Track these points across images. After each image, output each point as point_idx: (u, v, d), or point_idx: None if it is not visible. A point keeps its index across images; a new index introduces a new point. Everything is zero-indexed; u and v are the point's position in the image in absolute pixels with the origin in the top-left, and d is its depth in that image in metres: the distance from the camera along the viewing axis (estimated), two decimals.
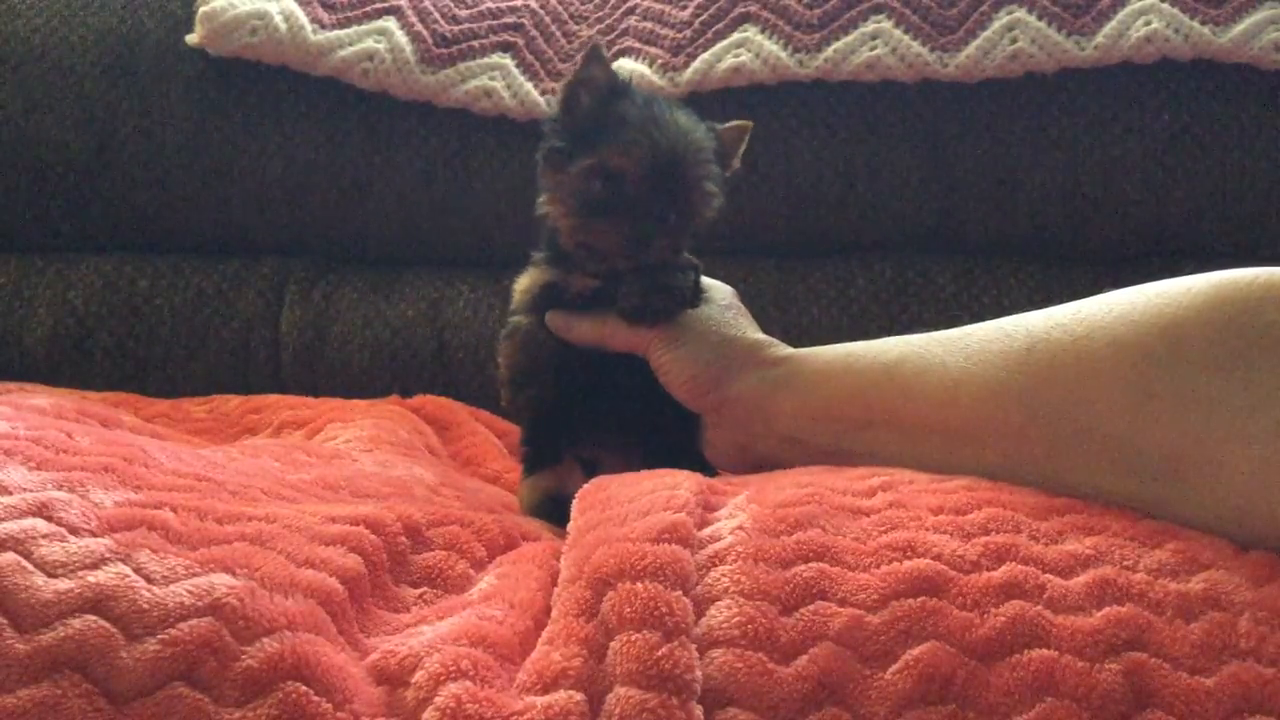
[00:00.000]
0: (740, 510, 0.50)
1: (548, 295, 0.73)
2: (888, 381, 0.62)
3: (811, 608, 0.43)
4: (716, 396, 0.70)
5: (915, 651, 0.41)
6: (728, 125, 0.74)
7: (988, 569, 0.44)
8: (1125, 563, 0.45)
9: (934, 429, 0.59)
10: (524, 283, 0.75)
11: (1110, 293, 0.55)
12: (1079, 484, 0.51)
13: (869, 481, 0.52)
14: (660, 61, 1.19)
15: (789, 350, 0.71)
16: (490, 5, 1.24)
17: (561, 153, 0.70)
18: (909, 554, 0.45)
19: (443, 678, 0.42)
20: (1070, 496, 0.51)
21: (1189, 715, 0.39)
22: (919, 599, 0.43)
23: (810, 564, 0.45)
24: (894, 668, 0.41)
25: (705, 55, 1.18)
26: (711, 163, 0.71)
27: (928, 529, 0.47)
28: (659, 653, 0.41)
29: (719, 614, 0.43)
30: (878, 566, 0.45)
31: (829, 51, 1.16)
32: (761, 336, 0.73)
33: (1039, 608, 0.42)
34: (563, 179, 0.69)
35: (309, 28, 1.19)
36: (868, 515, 0.48)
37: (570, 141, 0.70)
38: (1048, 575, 0.44)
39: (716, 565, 0.46)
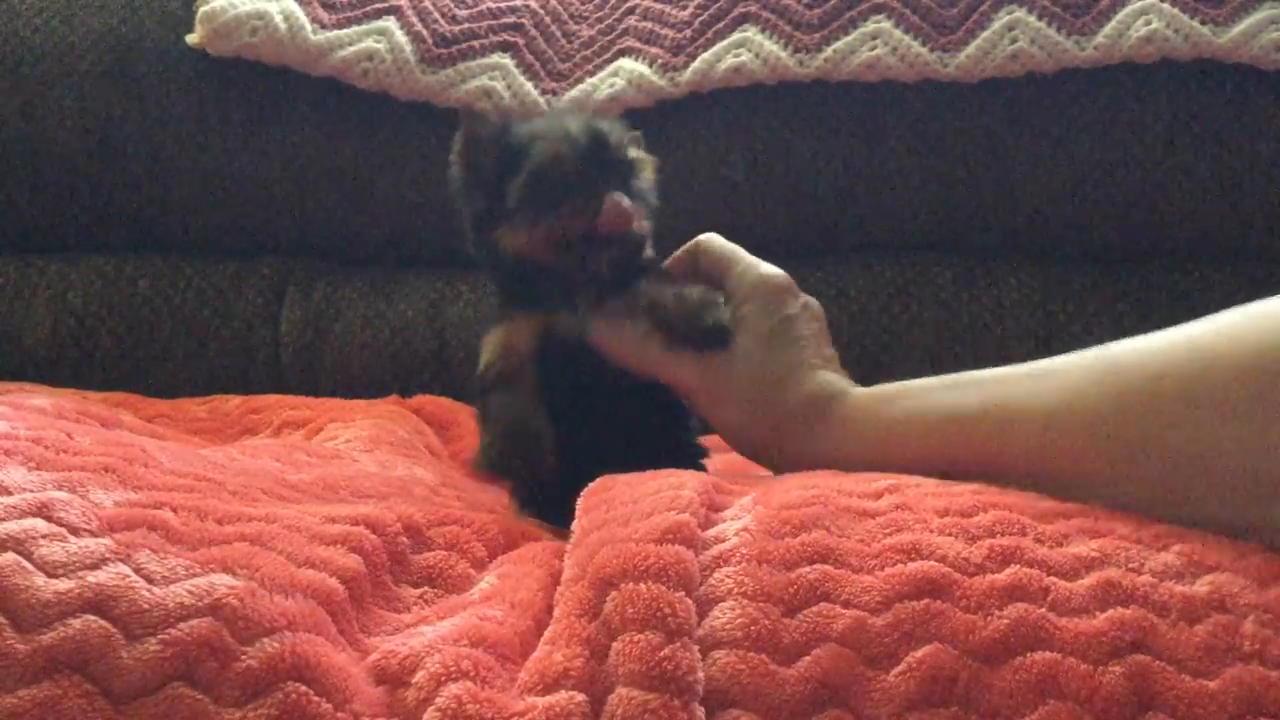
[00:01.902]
0: (746, 512, 0.50)
1: (545, 342, 0.69)
2: (975, 430, 0.57)
3: (815, 609, 0.43)
4: (778, 455, 0.63)
5: (918, 654, 0.41)
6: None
7: (992, 571, 0.44)
8: (1130, 565, 0.45)
9: (1029, 474, 0.54)
10: (501, 340, 0.70)
11: (1207, 318, 0.51)
12: (1190, 516, 0.49)
13: (875, 484, 0.52)
14: (660, 61, 1.19)
15: (852, 398, 0.63)
16: (490, 5, 1.24)
17: (492, 212, 0.68)
18: (913, 556, 0.45)
19: (443, 678, 0.42)
20: (1175, 525, 0.48)
21: (1192, 718, 0.39)
22: (923, 601, 0.43)
23: (814, 566, 0.45)
24: (897, 670, 0.41)
25: (705, 55, 1.18)
26: (627, 132, 0.70)
27: (933, 531, 0.47)
28: (661, 654, 0.41)
29: (722, 615, 0.43)
30: (882, 569, 0.44)
31: (829, 51, 1.16)
32: (818, 382, 0.64)
33: (1043, 610, 0.42)
34: (504, 216, 0.67)
35: (309, 28, 1.19)
36: (873, 517, 0.48)
37: (489, 196, 0.68)
38: (1052, 578, 0.44)
39: (721, 566, 0.46)
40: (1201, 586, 0.43)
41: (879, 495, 0.51)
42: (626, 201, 0.65)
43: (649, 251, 0.71)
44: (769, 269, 0.68)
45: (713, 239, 0.71)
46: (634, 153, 0.70)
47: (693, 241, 0.72)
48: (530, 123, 0.70)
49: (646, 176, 0.71)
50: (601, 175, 0.66)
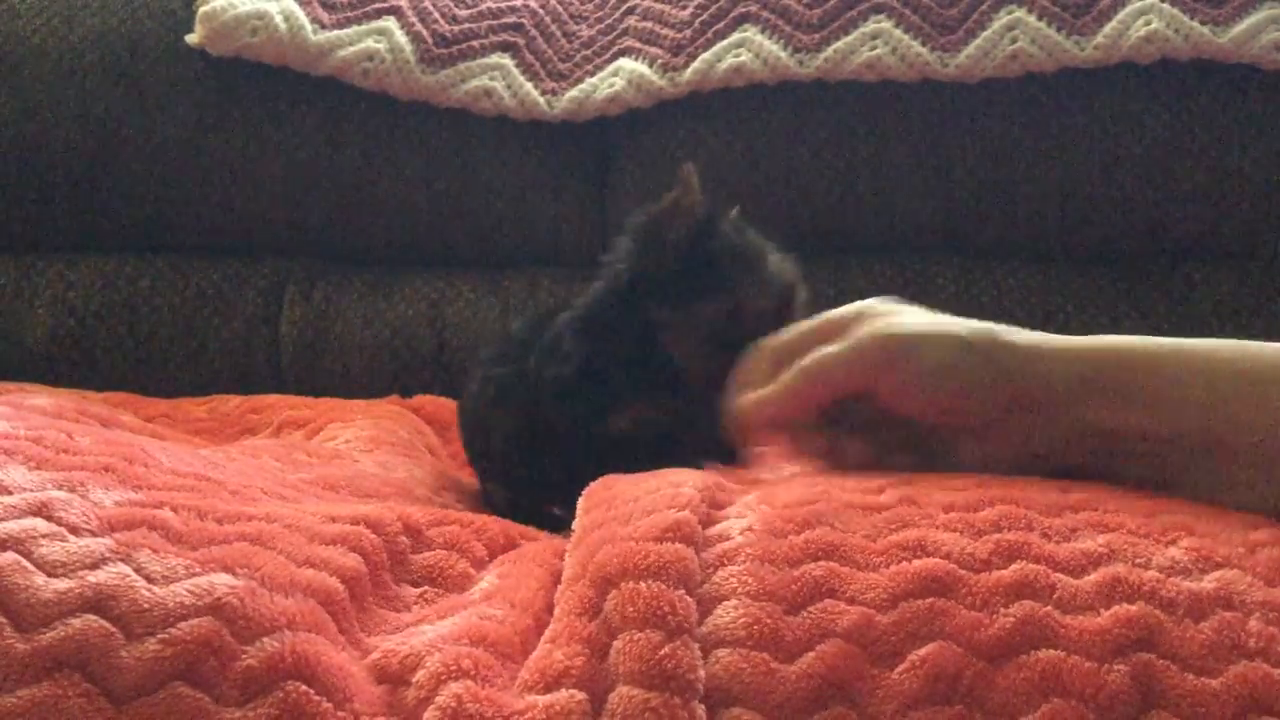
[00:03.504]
0: (750, 510, 0.50)
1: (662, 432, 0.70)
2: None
3: (819, 606, 0.43)
4: (997, 398, 0.55)
5: (923, 651, 0.41)
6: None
7: (998, 567, 0.44)
8: (1138, 560, 0.44)
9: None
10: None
11: None
12: None
13: (878, 479, 0.52)
14: (660, 61, 1.19)
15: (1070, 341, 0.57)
16: (490, 5, 1.24)
17: (643, 290, 0.69)
18: (919, 553, 0.45)
19: (444, 677, 0.42)
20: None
21: (1195, 716, 0.39)
22: (928, 599, 0.43)
23: (819, 562, 0.45)
24: (901, 667, 0.41)
25: (705, 55, 1.18)
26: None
27: (938, 526, 0.46)
28: (661, 652, 0.41)
29: (725, 614, 0.43)
30: (887, 565, 0.44)
31: (829, 51, 1.16)
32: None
33: (1048, 608, 0.42)
34: (682, 319, 0.69)
35: (309, 28, 1.19)
36: (878, 512, 0.48)
37: (650, 274, 0.69)
38: (1058, 574, 0.44)
39: (724, 565, 0.46)
40: (1209, 583, 0.43)
41: (882, 490, 0.51)
42: None
43: None
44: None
45: None
46: (802, 298, 0.72)
47: None
48: (734, 227, 0.71)
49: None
50: (771, 329, 0.66)
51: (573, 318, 0.74)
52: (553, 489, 0.71)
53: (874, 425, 0.60)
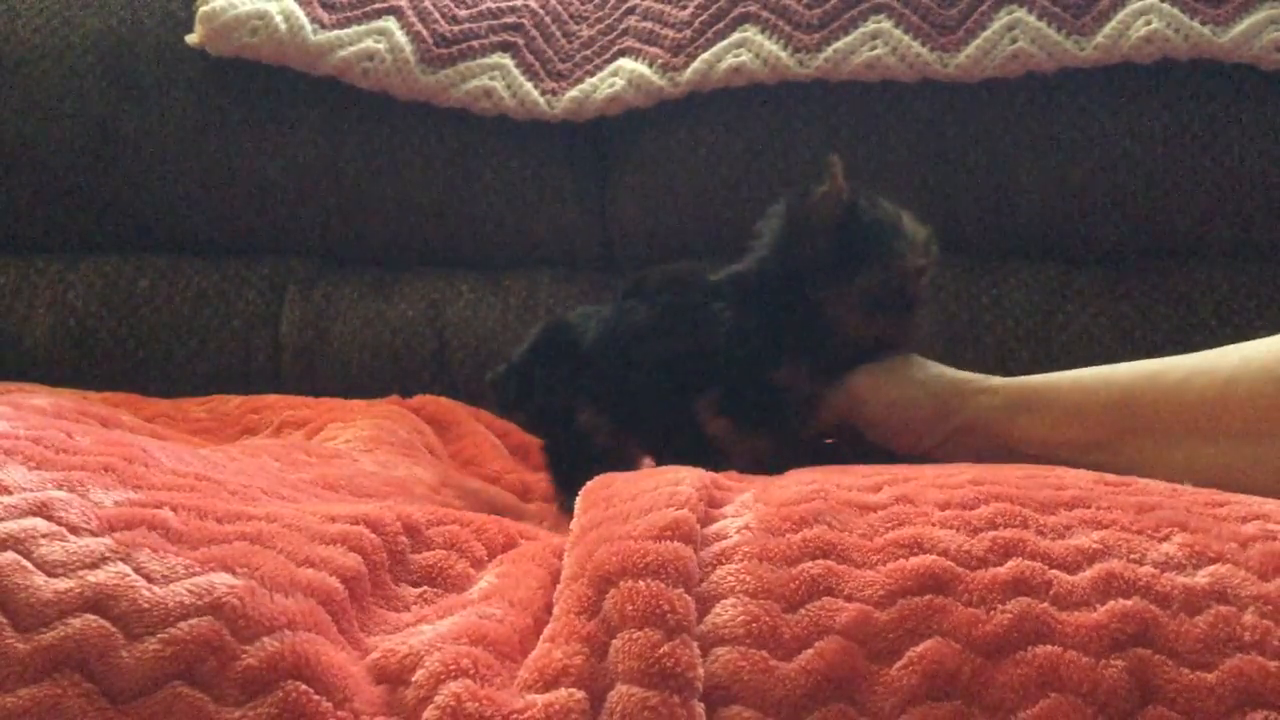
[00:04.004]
0: (747, 509, 0.50)
1: None
2: (1150, 388, 0.61)
3: (818, 604, 0.43)
4: (941, 431, 0.72)
5: (921, 648, 0.41)
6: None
7: (994, 564, 0.44)
8: (1132, 556, 0.45)
9: (1206, 433, 0.57)
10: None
11: None
12: None
13: (875, 478, 0.52)
14: (660, 61, 1.19)
15: (997, 378, 0.72)
16: (490, 5, 1.24)
17: (812, 276, 0.75)
18: (915, 550, 0.45)
19: (443, 676, 0.42)
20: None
21: (1191, 710, 0.39)
22: (925, 596, 0.43)
23: (816, 561, 0.45)
24: (899, 664, 0.41)
25: (705, 55, 1.17)
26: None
27: (934, 524, 0.47)
28: (660, 650, 0.41)
29: (724, 612, 0.43)
30: (884, 563, 0.45)
31: (829, 51, 1.16)
32: (958, 372, 0.74)
33: (1045, 604, 0.42)
34: (846, 293, 0.75)
35: (309, 28, 1.19)
36: (874, 511, 0.48)
37: (800, 261, 0.75)
38: (1054, 571, 0.44)
39: (722, 564, 0.46)
40: (1203, 578, 0.43)
41: (879, 489, 0.51)
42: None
43: None
44: None
45: None
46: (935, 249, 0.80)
47: None
48: (871, 200, 0.78)
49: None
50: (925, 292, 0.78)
51: (725, 288, 0.78)
52: (663, 428, 0.78)
53: (864, 455, 0.73)
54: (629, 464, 0.80)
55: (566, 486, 0.81)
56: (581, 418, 0.81)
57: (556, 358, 0.83)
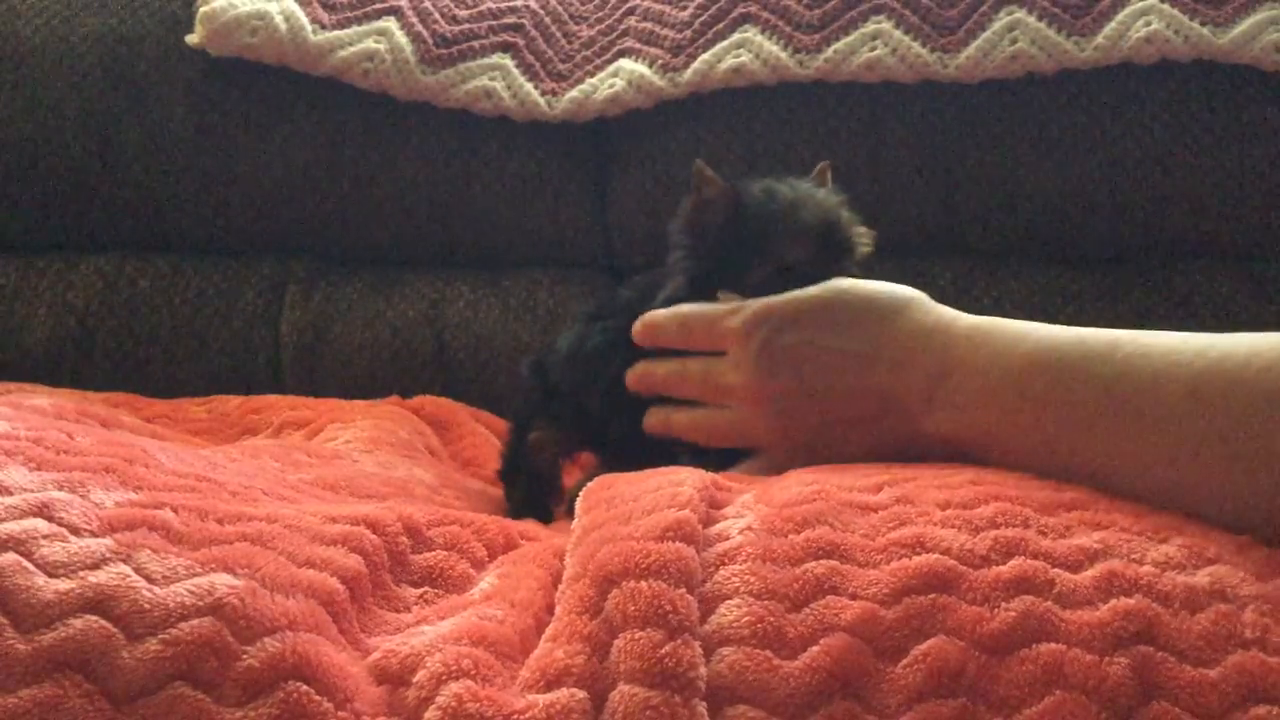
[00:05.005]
0: (748, 510, 0.50)
1: None
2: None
3: (822, 603, 0.43)
4: (870, 399, 0.64)
5: (925, 645, 0.41)
6: (816, 170, 0.81)
7: (997, 563, 0.44)
8: (1133, 556, 0.45)
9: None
10: None
11: None
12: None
13: (875, 478, 0.52)
14: (660, 62, 1.19)
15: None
16: (490, 5, 1.24)
17: (712, 271, 0.74)
18: (918, 549, 0.45)
19: (444, 677, 0.42)
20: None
21: (1194, 706, 0.39)
22: (929, 594, 0.43)
23: (820, 561, 0.45)
24: (904, 661, 0.41)
25: (705, 56, 1.18)
26: (849, 209, 0.78)
27: (936, 524, 0.47)
28: (662, 651, 0.41)
29: (729, 613, 0.43)
30: (888, 563, 0.45)
31: (829, 52, 1.16)
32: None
33: (1048, 602, 0.42)
34: (741, 292, 0.73)
35: (309, 28, 1.19)
36: (875, 511, 0.48)
37: (709, 262, 0.75)
38: (1057, 569, 0.44)
39: (726, 564, 0.46)
40: (1202, 577, 0.44)
41: (879, 489, 0.51)
42: None
43: None
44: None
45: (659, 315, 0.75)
46: (857, 231, 0.78)
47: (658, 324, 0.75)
48: (763, 188, 0.76)
49: (864, 250, 0.78)
50: (833, 261, 0.75)
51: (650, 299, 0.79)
52: (631, 436, 0.77)
53: None
54: (554, 479, 0.84)
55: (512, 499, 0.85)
56: (532, 436, 0.84)
57: (536, 376, 0.86)
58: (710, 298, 0.74)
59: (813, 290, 0.68)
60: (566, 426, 0.83)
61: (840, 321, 0.65)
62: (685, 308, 0.73)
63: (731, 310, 0.70)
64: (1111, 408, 0.53)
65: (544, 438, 0.83)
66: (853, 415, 0.64)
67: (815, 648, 0.42)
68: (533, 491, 0.83)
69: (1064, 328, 0.58)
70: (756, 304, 0.69)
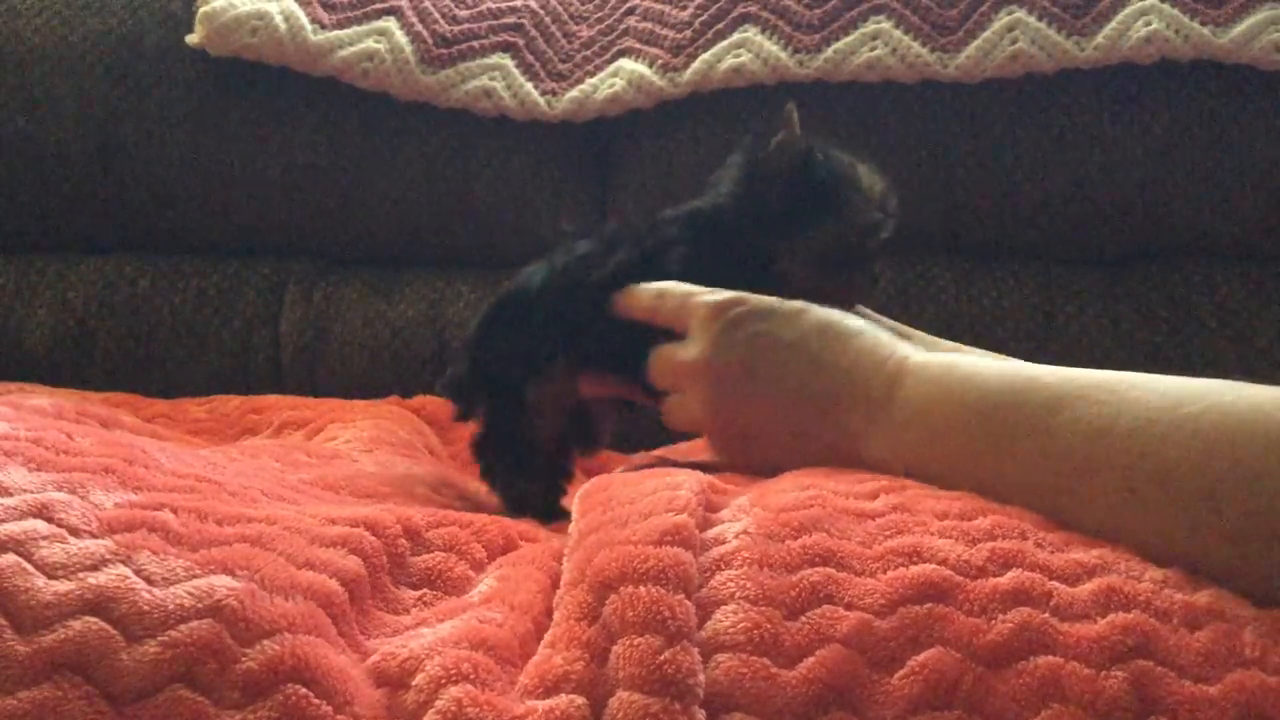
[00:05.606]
0: (744, 513, 0.50)
1: None
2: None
3: (818, 611, 0.43)
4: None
5: (922, 657, 0.41)
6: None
7: (994, 575, 0.44)
8: (1131, 573, 0.44)
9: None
10: None
11: None
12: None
13: (870, 485, 0.52)
14: (660, 62, 1.19)
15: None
16: (490, 5, 1.24)
17: (769, 226, 0.73)
18: (915, 559, 0.45)
19: (443, 680, 0.42)
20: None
21: None
22: (926, 605, 0.43)
23: (816, 568, 0.45)
24: (900, 672, 0.41)
25: (705, 56, 1.18)
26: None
27: (933, 534, 0.46)
28: (661, 657, 0.41)
29: (725, 619, 0.43)
30: (884, 571, 0.44)
31: (829, 52, 1.16)
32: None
33: (1045, 615, 0.42)
34: (799, 247, 0.73)
35: (309, 28, 1.19)
36: (872, 519, 0.48)
37: (768, 210, 0.73)
38: (1054, 582, 0.44)
39: (721, 569, 0.46)
40: (1201, 597, 0.43)
41: (875, 496, 0.51)
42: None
43: None
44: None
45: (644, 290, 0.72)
46: (893, 201, 0.78)
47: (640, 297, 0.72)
48: (833, 156, 0.76)
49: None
50: (880, 250, 0.75)
51: (680, 220, 0.76)
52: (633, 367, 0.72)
53: None
54: (567, 463, 0.78)
55: (504, 483, 0.78)
56: (531, 393, 0.75)
57: (507, 325, 0.77)
58: (740, 240, 0.73)
59: (793, 301, 0.67)
60: (574, 362, 0.74)
61: (805, 326, 0.65)
62: (670, 284, 0.70)
63: (709, 290, 0.69)
64: (1049, 464, 0.51)
65: (543, 392, 0.75)
66: (794, 420, 0.63)
67: (811, 659, 0.42)
68: (536, 480, 0.77)
69: (1017, 369, 0.56)
70: (735, 292, 0.68)
